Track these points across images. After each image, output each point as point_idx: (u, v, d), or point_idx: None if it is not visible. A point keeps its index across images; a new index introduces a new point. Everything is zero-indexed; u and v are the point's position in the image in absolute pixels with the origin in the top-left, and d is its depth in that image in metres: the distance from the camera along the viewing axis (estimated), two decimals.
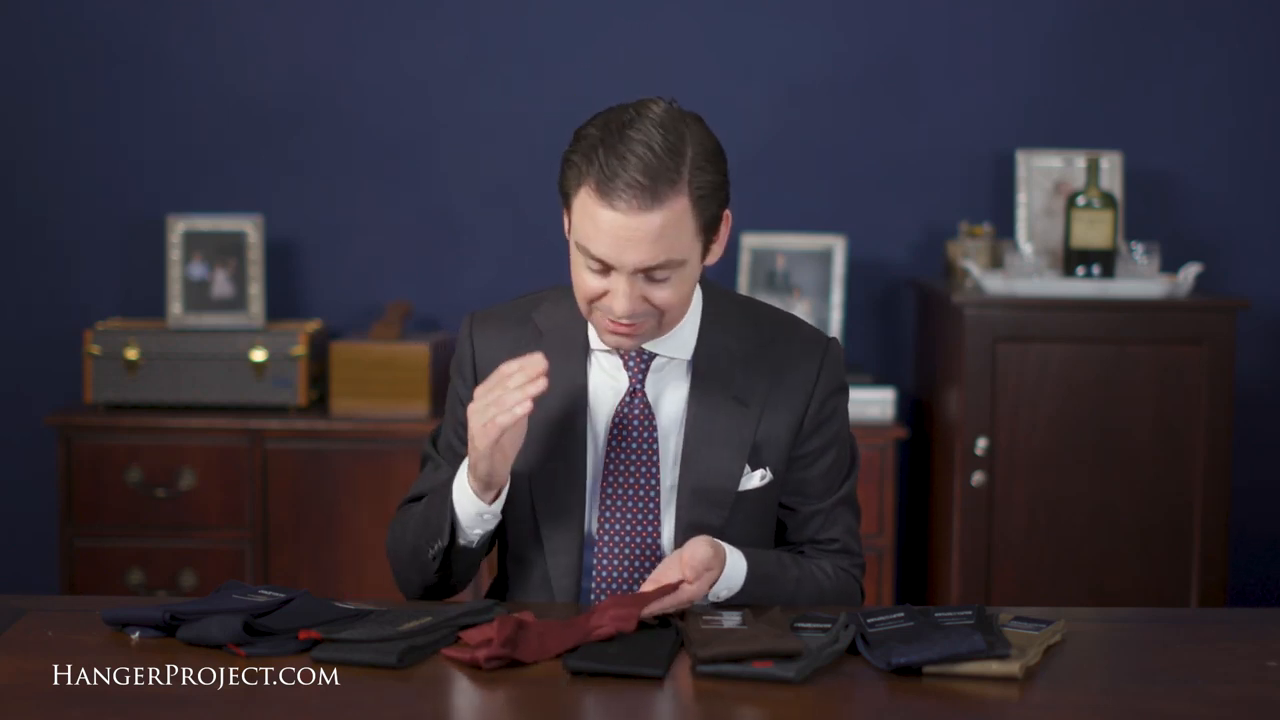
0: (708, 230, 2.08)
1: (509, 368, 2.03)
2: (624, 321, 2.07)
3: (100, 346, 3.80)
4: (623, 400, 2.18)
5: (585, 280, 2.07)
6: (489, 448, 2.04)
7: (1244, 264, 4.08)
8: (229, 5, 4.05)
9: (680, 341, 2.18)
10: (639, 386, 2.18)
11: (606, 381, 2.19)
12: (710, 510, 2.16)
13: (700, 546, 2.03)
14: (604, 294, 2.06)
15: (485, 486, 2.09)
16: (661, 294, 2.06)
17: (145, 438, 3.75)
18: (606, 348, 2.18)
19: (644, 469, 2.17)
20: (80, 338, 3.94)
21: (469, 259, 4.09)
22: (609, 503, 2.17)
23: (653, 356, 2.18)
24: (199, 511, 3.74)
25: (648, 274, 2.04)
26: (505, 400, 2.01)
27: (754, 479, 2.18)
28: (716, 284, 2.26)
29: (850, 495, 2.26)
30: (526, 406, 2.01)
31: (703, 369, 2.18)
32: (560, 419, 2.18)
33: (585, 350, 2.20)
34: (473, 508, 2.11)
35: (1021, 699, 1.81)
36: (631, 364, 2.18)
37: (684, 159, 2.03)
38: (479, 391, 2.05)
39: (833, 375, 2.22)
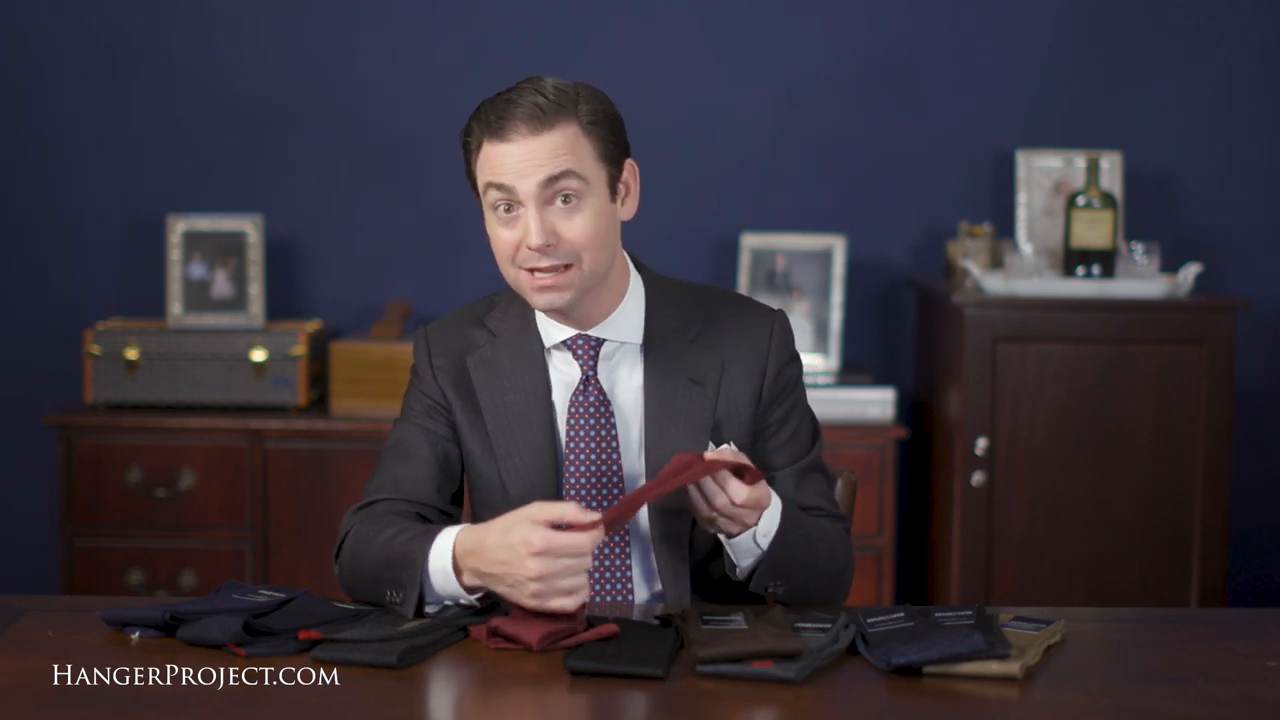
0: (609, 162, 2.13)
1: (579, 543, 1.93)
2: (544, 264, 2.09)
3: (100, 346, 3.80)
4: (576, 390, 2.20)
5: (500, 236, 2.13)
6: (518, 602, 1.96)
7: (1244, 264, 4.08)
8: (229, 5, 4.05)
9: (626, 324, 2.21)
10: (591, 374, 2.19)
11: (562, 377, 2.21)
12: (680, 492, 2.16)
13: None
14: (520, 245, 2.10)
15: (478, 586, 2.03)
16: (572, 226, 2.10)
17: (145, 438, 3.75)
18: (555, 343, 2.20)
19: (604, 455, 2.18)
20: (80, 338, 3.94)
21: (469, 259, 4.09)
22: (572, 493, 2.18)
23: (601, 343, 2.20)
24: (199, 511, 3.74)
25: (552, 199, 2.08)
26: (563, 584, 1.92)
27: None
28: (653, 270, 2.28)
29: (819, 462, 2.27)
30: (583, 597, 1.93)
31: (654, 353, 2.20)
32: (525, 417, 2.19)
33: (540, 348, 2.22)
34: (450, 590, 2.03)
35: (1021, 699, 1.81)
36: (580, 353, 2.20)
37: (570, 97, 2.10)
38: (543, 557, 1.91)
39: (784, 345, 2.24)
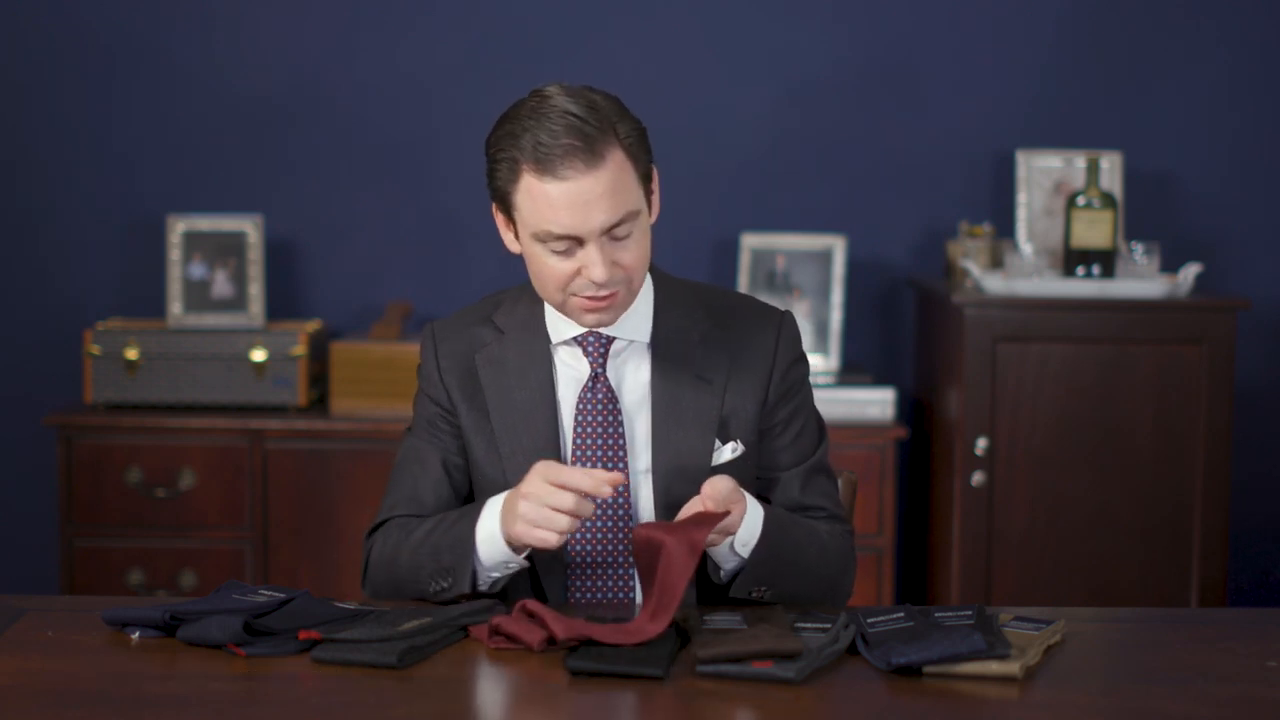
0: (645, 180, 2.13)
1: (583, 479, 2.01)
2: (603, 293, 2.10)
3: (100, 346, 3.80)
4: (585, 386, 2.20)
5: (554, 269, 2.10)
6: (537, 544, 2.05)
7: (1244, 264, 4.08)
8: (229, 5, 4.05)
9: (636, 323, 2.21)
10: (600, 371, 2.20)
11: (569, 372, 2.22)
12: (688, 487, 2.16)
13: (721, 480, 2.06)
14: (576, 273, 2.09)
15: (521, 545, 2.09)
16: (628, 254, 2.10)
17: (145, 438, 3.75)
18: (565, 339, 2.21)
19: (610, 452, 2.18)
20: (80, 338, 3.94)
21: (469, 259, 4.09)
22: None
23: (611, 341, 2.20)
24: (199, 511, 3.74)
25: (612, 234, 2.08)
26: (556, 521, 2.01)
27: (725, 452, 2.20)
28: (662, 270, 2.28)
29: (824, 463, 2.28)
30: (575, 524, 2.02)
31: (662, 350, 2.21)
32: (530, 415, 2.20)
33: (546, 344, 2.22)
34: (500, 557, 2.10)
35: (1021, 699, 1.81)
36: (590, 350, 2.20)
37: (603, 114, 2.07)
38: (541, 483, 2.02)
39: (791, 345, 2.25)
